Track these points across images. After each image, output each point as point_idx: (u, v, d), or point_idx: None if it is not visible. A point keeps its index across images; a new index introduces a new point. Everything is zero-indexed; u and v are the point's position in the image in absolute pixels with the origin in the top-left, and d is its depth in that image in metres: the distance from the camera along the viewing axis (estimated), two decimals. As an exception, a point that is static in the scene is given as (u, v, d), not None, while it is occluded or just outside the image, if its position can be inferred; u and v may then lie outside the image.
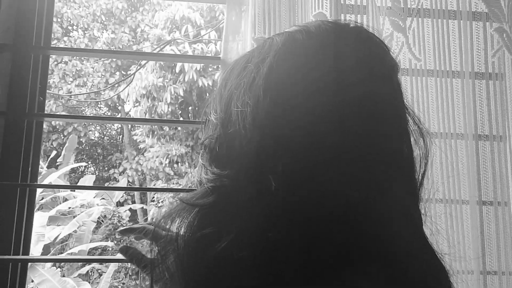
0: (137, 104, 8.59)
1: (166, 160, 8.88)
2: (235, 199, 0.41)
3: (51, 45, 1.26)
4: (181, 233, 0.42)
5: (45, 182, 7.81)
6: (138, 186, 8.07)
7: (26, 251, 1.19)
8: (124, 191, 9.09)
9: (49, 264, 6.54)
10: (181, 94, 8.50)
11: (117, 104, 10.48)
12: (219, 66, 1.07)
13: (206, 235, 0.41)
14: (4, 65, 1.18)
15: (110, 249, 8.10)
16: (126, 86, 8.29)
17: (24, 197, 1.18)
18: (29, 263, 1.19)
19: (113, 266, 7.04)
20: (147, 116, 8.23)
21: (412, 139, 0.47)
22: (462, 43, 0.96)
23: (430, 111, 0.98)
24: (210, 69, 8.38)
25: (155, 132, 8.43)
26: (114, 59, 9.62)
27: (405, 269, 0.40)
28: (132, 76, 8.08)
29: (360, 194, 0.40)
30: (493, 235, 0.89)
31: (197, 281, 0.40)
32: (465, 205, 0.89)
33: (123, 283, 8.09)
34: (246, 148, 0.42)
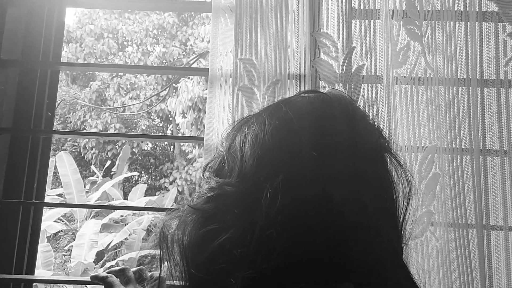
0: (181, 115, 8.73)
1: (213, 170, 8.94)
2: (235, 203, 0.46)
3: (61, 61, 1.24)
4: (187, 232, 0.48)
5: (100, 190, 8.15)
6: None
7: (31, 270, 1.18)
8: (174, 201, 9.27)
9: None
10: (227, 105, 8.56)
11: (169, 116, 10.79)
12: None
13: (210, 230, 0.46)
14: (11, 80, 1.18)
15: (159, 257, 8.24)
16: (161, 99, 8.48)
17: (27, 215, 1.17)
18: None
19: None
20: (194, 128, 8.38)
21: (396, 177, 0.51)
22: (469, 48, 0.84)
23: (441, 124, 0.87)
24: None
25: (201, 144, 8.55)
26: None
27: None
28: (167, 89, 8.27)
29: (349, 210, 0.44)
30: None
31: (197, 270, 0.46)
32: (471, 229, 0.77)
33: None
34: (246, 162, 0.47)
